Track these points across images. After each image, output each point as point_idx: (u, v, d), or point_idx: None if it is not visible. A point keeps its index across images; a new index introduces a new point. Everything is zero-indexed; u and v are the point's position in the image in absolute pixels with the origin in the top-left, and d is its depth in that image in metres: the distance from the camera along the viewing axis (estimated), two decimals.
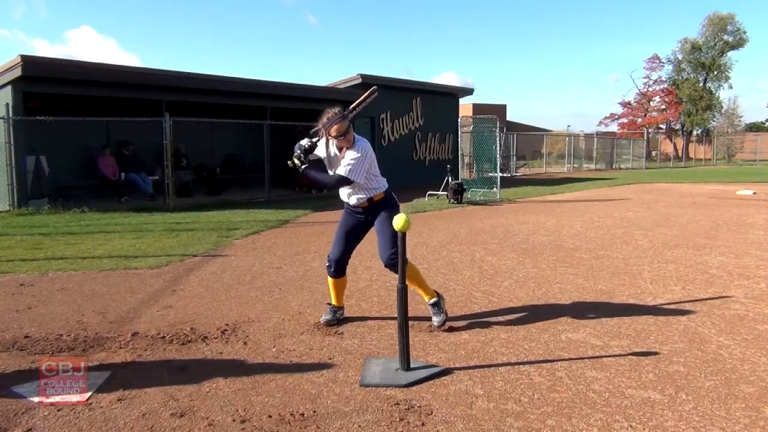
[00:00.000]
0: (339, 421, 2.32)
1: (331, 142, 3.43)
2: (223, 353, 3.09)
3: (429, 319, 3.56)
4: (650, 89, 47.74)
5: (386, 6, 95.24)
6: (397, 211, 3.49)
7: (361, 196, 3.47)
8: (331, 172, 3.48)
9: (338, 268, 3.58)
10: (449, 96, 18.26)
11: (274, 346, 3.20)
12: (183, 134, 11.58)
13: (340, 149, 3.42)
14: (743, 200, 12.01)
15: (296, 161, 3.35)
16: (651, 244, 6.54)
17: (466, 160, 16.76)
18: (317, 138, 3.40)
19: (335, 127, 3.27)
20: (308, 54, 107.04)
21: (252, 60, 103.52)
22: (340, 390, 2.62)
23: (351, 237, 3.58)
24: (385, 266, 3.51)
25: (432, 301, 3.54)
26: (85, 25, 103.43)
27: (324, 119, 3.32)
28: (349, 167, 3.32)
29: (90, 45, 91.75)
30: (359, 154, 3.34)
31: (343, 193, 3.54)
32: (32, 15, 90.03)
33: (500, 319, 3.69)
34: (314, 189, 13.48)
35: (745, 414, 2.38)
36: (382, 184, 3.52)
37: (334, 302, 3.66)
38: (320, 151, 3.47)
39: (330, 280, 3.65)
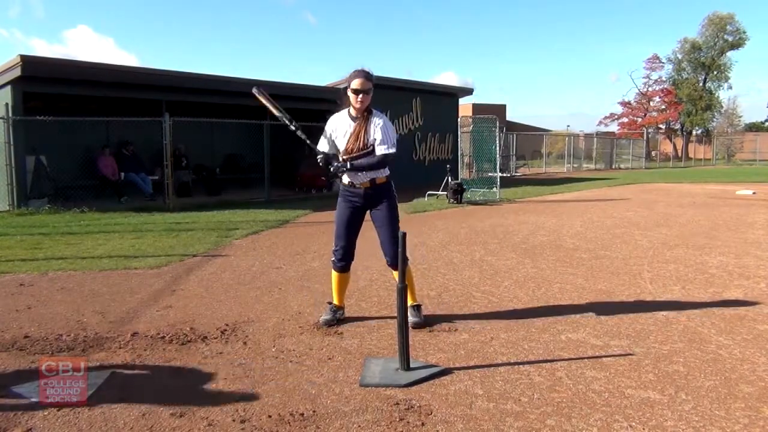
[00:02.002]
0: (339, 421, 2.32)
1: (345, 115, 3.37)
2: (222, 353, 3.09)
3: (429, 318, 3.58)
4: (650, 89, 47.78)
5: (386, 5, 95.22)
6: (395, 205, 3.51)
7: (371, 174, 3.39)
8: (339, 146, 3.39)
9: (346, 261, 3.53)
10: (449, 96, 18.26)
11: (274, 346, 3.20)
12: (183, 134, 11.58)
13: (354, 119, 3.34)
14: (743, 200, 12.01)
15: (335, 172, 3.34)
16: (651, 244, 6.54)
17: (466, 160, 16.76)
18: (319, 148, 3.40)
19: (360, 80, 3.24)
20: (308, 54, 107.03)
21: (251, 60, 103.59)
22: (340, 390, 2.62)
23: (353, 226, 3.50)
24: (389, 265, 3.51)
25: (415, 304, 3.56)
26: (82, 24, 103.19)
27: (347, 76, 3.29)
28: (389, 138, 3.32)
29: (88, 44, 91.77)
30: (383, 121, 3.34)
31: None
32: (29, 14, 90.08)
33: (500, 319, 3.69)
34: (314, 189, 13.48)
35: (745, 414, 2.38)
36: (386, 169, 3.46)
37: (335, 301, 3.63)
38: (326, 138, 3.44)
39: (335, 275, 3.59)
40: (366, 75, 3.29)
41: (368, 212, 3.53)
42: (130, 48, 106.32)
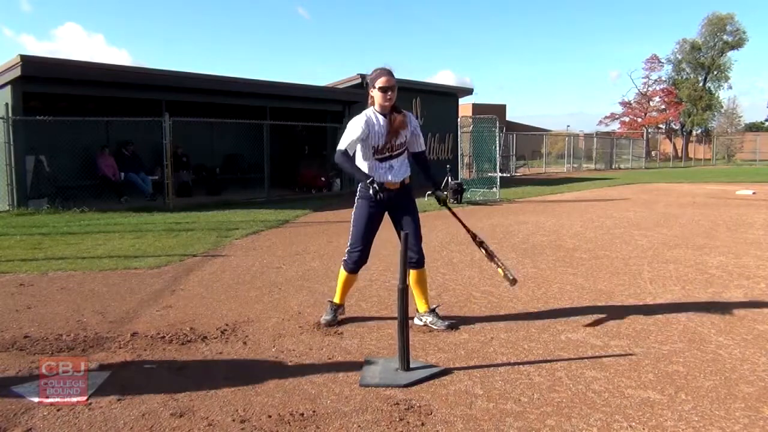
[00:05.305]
0: (339, 421, 2.32)
1: (373, 114, 3.33)
2: (223, 353, 3.09)
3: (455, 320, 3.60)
4: (650, 89, 47.82)
5: (384, 5, 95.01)
6: (415, 202, 3.53)
7: (403, 174, 3.39)
8: (376, 146, 3.31)
9: (362, 264, 3.48)
10: (449, 96, 18.25)
11: (274, 346, 3.20)
12: (183, 134, 11.59)
13: (384, 115, 3.32)
14: (743, 200, 12.01)
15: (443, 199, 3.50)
16: (650, 244, 6.54)
17: (466, 160, 16.77)
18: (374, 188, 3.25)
19: (384, 78, 3.27)
20: (307, 54, 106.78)
21: (250, 60, 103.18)
22: (340, 390, 2.62)
23: (374, 227, 3.44)
24: (415, 264, 3.41)
25: (433, 308, 3.52)
26: (70, 21, 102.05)
27: (370, 76, 3.34)
28: (421, 137, 3.47)
29: (77, 41, 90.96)
30: (415, 119, 3.42)
31: (384, 172, 3.34)
32: (16, 11, 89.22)
33: (500, 319, 3.69)
34: (314, 189, 13.49)
35: (745, 414, 2.38)
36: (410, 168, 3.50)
37: (337, 300, 3.60)
38: (355, 139, 3.30)
39: (344, 275, 3.52)
40: (390, 72, 3.32)
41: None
42: (120, 44, 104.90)
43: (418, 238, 3.41)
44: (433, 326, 3.46)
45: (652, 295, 4.30)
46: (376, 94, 3.31)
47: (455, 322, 3.52)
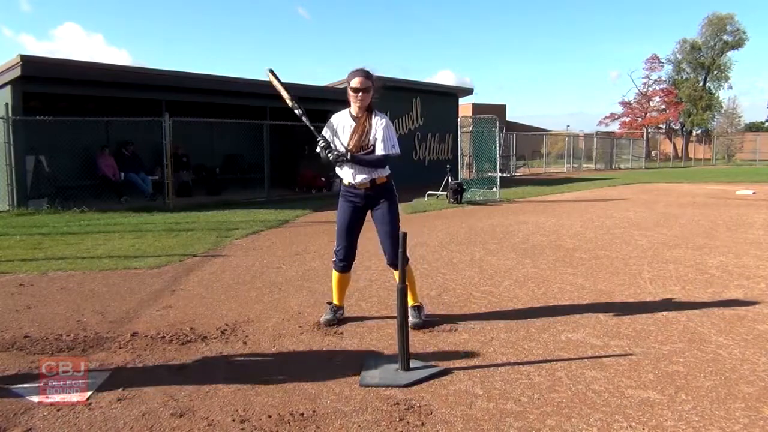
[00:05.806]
0: (339, 421, 2.32)
1: (343, 116, 3.42)
2: (222, 353, 3.09)
3: (429, 319, 3.59)
4: (650, 89, 47.85)
5: (384, 5, 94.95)
6: (396, 204, 3.52)
7: (365, 175, 3.39)
8: (339, 145, 3.37)
9: (347, 262, 3.54)
10: (449, 96, 18.28)
11: (274, 346, 3.20)
12: (183, 134, 11.59)
13: (355, 118, 3.37)
14: (743, 200, 12.02)
15: (334, 160, 3.29)
16: (650, 244, 6.54)
17: (466, 160, 16.77)
18: (322, 139, 3.36)
19: (357, 79, 3.28)
20: (307, 54, 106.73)
21: (250, 60, 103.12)
22: (340, 390, 2.62)
23: (353, 226, 3.50)
24: (389, 265, 3.53)
25: (416, 305, 3.54)
26: (69, 21, 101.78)
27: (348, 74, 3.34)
28: (390, 138, 3.34)
29: (77, 41, 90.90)
30: (386, 122, 3.36)
31: (347, 171, 3.41)
32: (16, 11, 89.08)
33: (500, 319, 3.69)
34: (314, 189, 13.49)
35: (745, 414, 2.38)
36: (387, 168, 3.47)
37: (335, 301, 3.64)
38: (327, 132, 3.44)
39: (336, 276, 3.60)
40: (365, 74, 3.33)
41: (369, 212, 3.53)
42: (120, 44, 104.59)
43: (390, 237, 3.42)
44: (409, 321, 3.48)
45: (652, 295, 4.30)
46: (350, 94, 3.36)
47: (420, 322, 3.47)
